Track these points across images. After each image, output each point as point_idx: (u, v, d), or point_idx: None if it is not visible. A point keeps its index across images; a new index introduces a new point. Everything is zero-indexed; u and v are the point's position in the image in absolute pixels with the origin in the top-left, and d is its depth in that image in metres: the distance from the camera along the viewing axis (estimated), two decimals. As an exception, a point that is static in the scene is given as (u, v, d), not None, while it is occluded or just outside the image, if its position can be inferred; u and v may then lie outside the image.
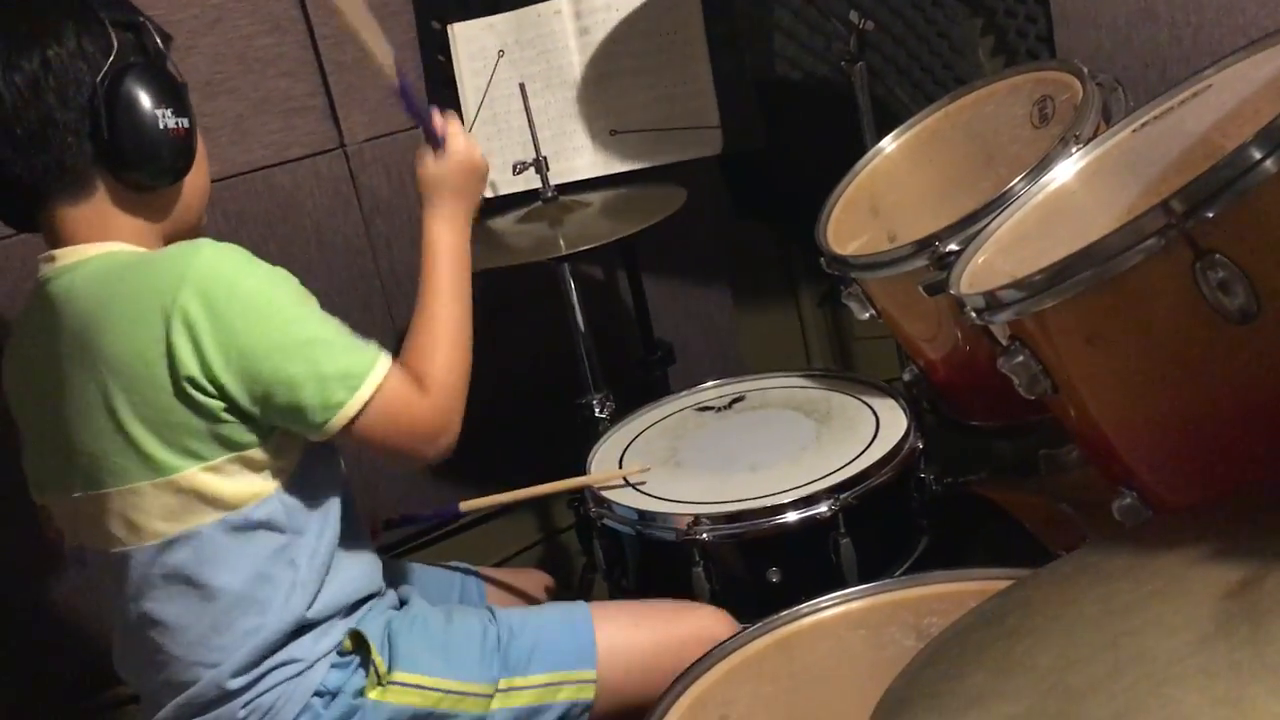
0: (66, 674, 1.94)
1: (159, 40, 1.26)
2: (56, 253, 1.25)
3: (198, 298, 1.17)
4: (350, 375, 1.21)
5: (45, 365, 1.25)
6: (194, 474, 1.21)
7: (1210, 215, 0.93)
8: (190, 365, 1.17)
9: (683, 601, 1.46)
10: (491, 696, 1.33)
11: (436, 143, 1.44)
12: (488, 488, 2.28)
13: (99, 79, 1.19)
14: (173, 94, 1.24)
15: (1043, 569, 0.93)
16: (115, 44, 1.20)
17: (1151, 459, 1.11)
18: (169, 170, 1.26)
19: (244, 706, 1.27)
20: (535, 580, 1.76)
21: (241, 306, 1.18)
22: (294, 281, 1.25)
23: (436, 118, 1.45)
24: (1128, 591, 0.81)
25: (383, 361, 1.25)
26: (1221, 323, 0.95)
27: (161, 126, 1.22)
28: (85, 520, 1.28)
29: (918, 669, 0.84)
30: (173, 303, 1.16)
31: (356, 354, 1.23)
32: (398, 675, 1.31)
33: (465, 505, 1.68)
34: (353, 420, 1.22)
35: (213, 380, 1.18)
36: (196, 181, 1.31)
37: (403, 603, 1.44)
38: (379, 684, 1.30)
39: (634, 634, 1.36)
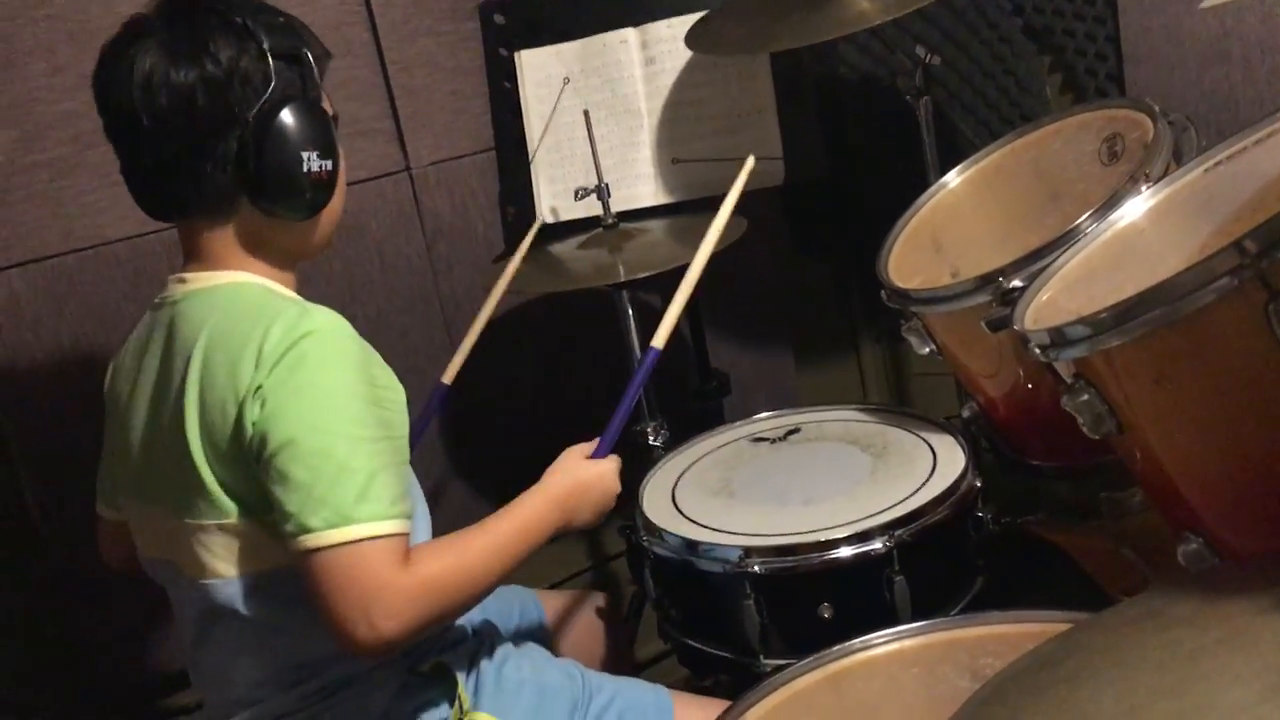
0: (129, 678, 1.97)
1: (315, 67, 1.26)
2: (188, 275, 1.27)
3: (283, 371, 1.15)
4: (339, 512, 1.12)
5: (157, 382, 1.26)
6: (251, 521, 1.20)
7: (1285, 256, 0.91)
8: (248, 429, 1.16)
9: None
10: None
11: (602, 451, 1.41)
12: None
13: (252, 112, 1.19)
14: (322, 135, 1.24)
15: (1104, 612, 0.92)
16: (274, 76, 1.20)
17: (1219, 504, 1.08)
18: (307, 207, 1.26)
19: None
20: (590, 601, 1.76)
21: (308, 393, 1.15)
22: (379, 401, 1.19)
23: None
24: (1192, 638, 0.79)
25: (383, 526, 1.13)
26: (1294, 366, 0.93)
27: (305, 169, 1.22)
28: (160, 538, 1.30)
29: (974, 709, 0.83)
30: (267, 374, 1.15)
31: (363, 501, 1.13)
32: (481, 717, 1.32)
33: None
34: (313, 552, 1.12)
35: (255, 438, 1.16)
36: (333, 210, 1.32)
37: (473, 631, 1.44)
38: (461, 718, 1.31)
39: None
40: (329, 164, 1.25)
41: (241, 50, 1.19)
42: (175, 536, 1.26)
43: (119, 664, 1.96)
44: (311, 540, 1.12)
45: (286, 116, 1.21)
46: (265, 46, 1.20)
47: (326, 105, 1.28)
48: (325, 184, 1.26)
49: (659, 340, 1.49)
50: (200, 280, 1.27)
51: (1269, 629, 0.75)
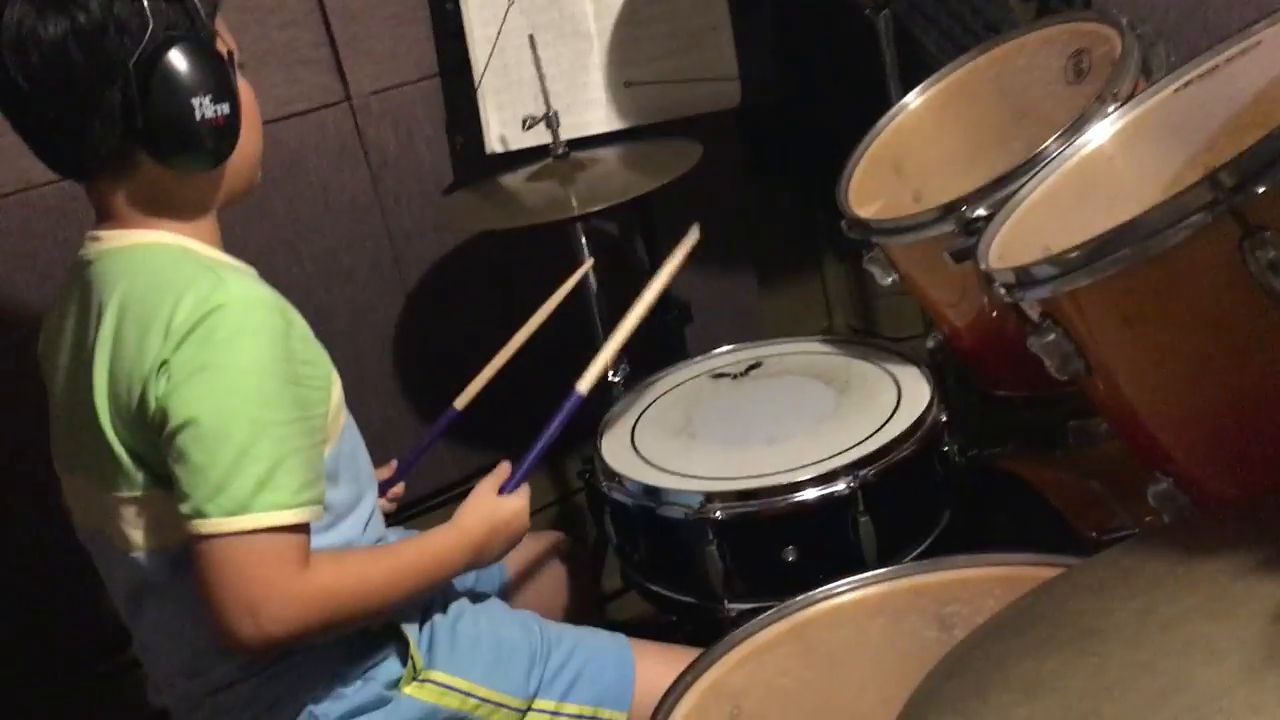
0: (80, 636, 1.93)
1: (199, 3, 1.15)
2: (101, 234, 1.20)
3: (191, 346, 1.09)
4: (236, 499, 1.07)
5: (73, 347, 1.21)
6: (164, 494, 1.14)
7: (1261, 191, 0.86)
8: (152, 404, 1.10)
9: None
10: (524, 713, 1.32)
11: (514, 485, 1.37)
12: (498, 452, 2.25)
13: (132, 60, 1.09)
14: (213, 77, 1.14)
15: (1073, 570, 0.88)
16: (150, 17, 1.10)
17: (1190, 445, 1.05)
18: (209, 156, 1.17)
19: (258, 687, 1.24)
20: (551, 544, 1.73)
21: (214, 370, 1.09)
22: (296, 379, 1.13)
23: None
24: (1166, 604, 0.75)
25: (283, 516, 1.08)
26: (1270, 305, 0.89)
27: (199, 117, 1.13)
28: (89, 507, 1.25)
29: (940, 681, 0.79)
30: (174, 348, 1.09)
31: (264, 489, 1.08)
32: (436, 675, 1.29)
33: (460, 402, 1.61)
34: (206, 539, 1.07)
35: (158, 414, 1.10)
36: (245, 152, 1.22)
37: None
38: (414, 679, 1.28)
39: (666, 681, 1.23)
40: (225, 108, 1.15)
41: None
42: (100, 506, 1.21)
43: (67, 617, 1.91)
44: (205, 526, 1.07)
45: (171, 61, 1.11)
46: None
47: (221, 43, 1.18)
48: (225, 130, 1.17)
49: (584, 385, 1.43)
50: (113, 239, 1.19)
51: (1247, 595, 0.72)
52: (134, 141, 1.13)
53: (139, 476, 1.15)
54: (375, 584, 1.19)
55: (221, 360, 1.09)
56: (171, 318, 1.09)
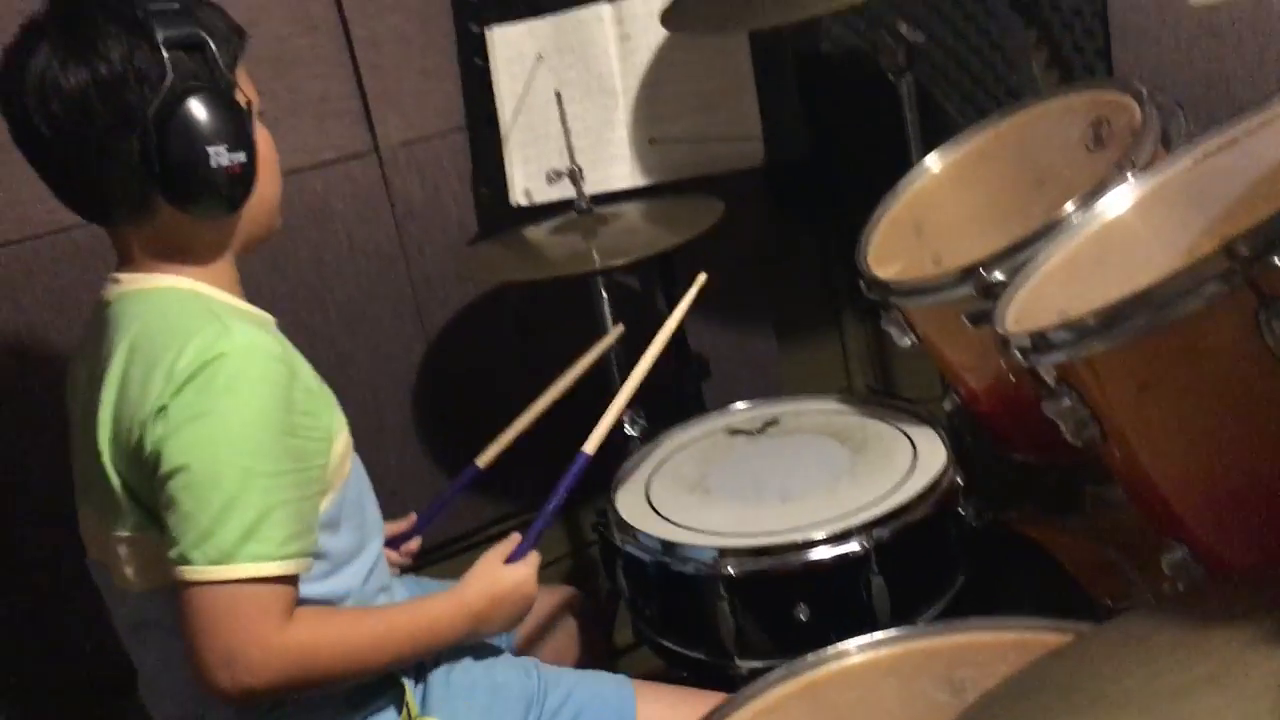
0: (89, 675, 1.93)
1: (223, 52, 1.17)
2: (121, 276, 1.22)
3: (190, 393, 1.10)
4: (221, 548, 1.07)
5: (86, 385, 1.22)
6: (154, 535, 1.15)
7: (1278, 261, 0.86)
8: (148, 448, 1.12)
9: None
10: None
11: (522, 551, 1.36)
12: (512, 504, 2.25)
13: (151, 110, 1.12)
14: (230, 126, 1.16)
15: (1084, 636, 0.88)
16: (169, 68, 1.12)
17: (1205, 514, 1.05)
18: (225, 203, 1.19)
19: None
20: (562, 598, 1.72)
21: (210, 419, 1.10)
22: (294, 430, 1.14)
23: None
24: (1176, 672, 0.75)
25: (267, 567, 1.09)
26: (1286, 375, 0.89)
27: (214, 165, 1.15)
28: (96, 540, 1.26)
29: (947, 744, 0.79)
30: (174, 394, 1.11)
31: (249, 540, 1.08)
32: None
33: (482, 460, 1.61)
34: (189, 585, 1.09)
35: (153, 458, 1.12)
36: (263, 199, 1.24)
37: None
38: None
39: None
40: (241, 156, 1.17)
41: (134, 46, 1.12)
42: (104, 541, 1.22)
43: (77, 655, 1.91)
44: (189, 573, 1.08)
45: (189, 111, 1.13)
46: (160, 39, 1.12)
47: (240, 94, 1.20)
48: (241, 178, 1.19)
49: (590, 446, 1.43)
50: (131, 283, 1.22)
51: (1258, 666, 0.71)
52: (152, 188, 1.16)
53: (133, 517, 1.16)
54: (357, 644, 1.19)
55: (218, 408, 1.10)
56: (175, 363, 1.11)
